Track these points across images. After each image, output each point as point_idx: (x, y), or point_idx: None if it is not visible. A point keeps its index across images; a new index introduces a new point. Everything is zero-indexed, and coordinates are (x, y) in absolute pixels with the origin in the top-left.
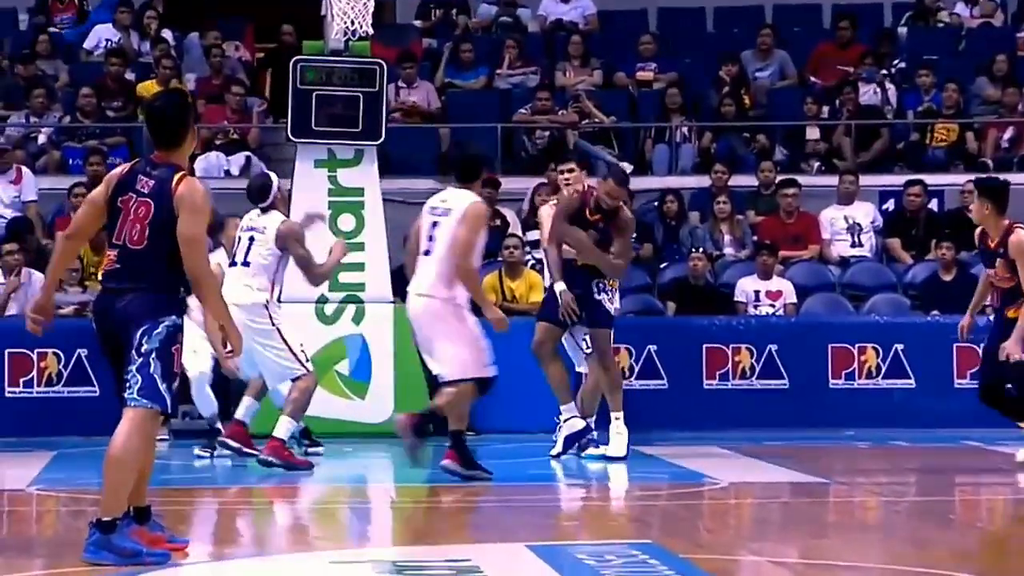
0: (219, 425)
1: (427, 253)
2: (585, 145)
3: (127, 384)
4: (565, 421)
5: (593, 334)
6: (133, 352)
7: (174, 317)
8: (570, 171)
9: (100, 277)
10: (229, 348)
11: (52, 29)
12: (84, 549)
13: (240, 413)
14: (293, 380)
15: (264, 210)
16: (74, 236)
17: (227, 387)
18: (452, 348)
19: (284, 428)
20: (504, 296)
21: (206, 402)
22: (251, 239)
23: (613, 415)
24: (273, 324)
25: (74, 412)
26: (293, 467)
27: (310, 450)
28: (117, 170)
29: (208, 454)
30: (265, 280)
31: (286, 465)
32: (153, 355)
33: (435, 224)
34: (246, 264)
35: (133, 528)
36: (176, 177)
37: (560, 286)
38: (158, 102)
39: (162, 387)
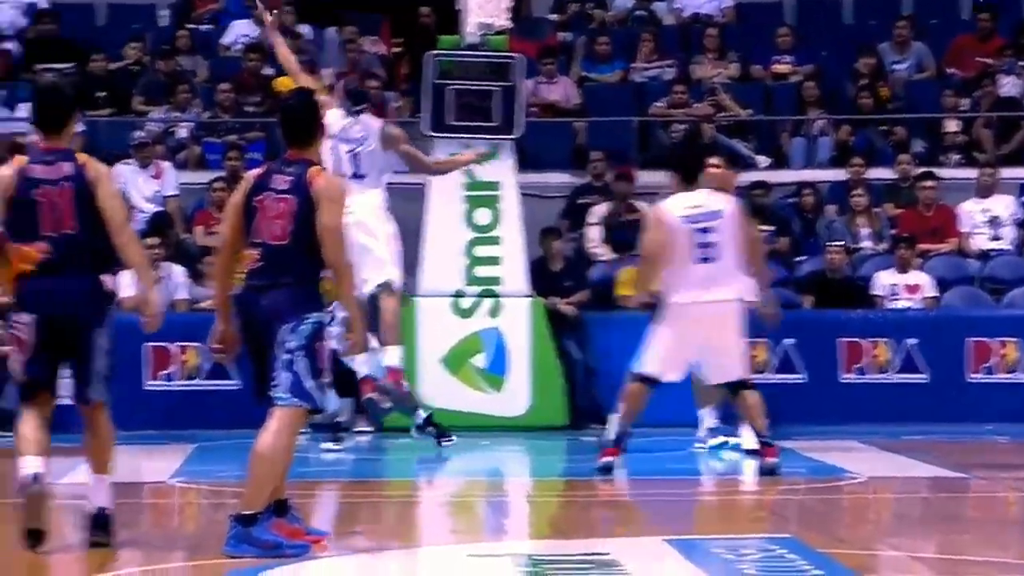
0: (344, 417)
1: (707, 260)
2: (722, 139)
3: (273, 382)
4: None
5: None
6: (278, 349)
7: (319, 313)
8: (715, 166)
9: (244, 276)
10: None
11: (191, 25)
12: (225, 542)
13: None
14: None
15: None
16: (227, 247)
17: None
18: (740, 348)
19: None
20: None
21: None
22: (352, 152)
23: None
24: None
25: (214, 405)
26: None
27: (442, 442)
28: (252, 172)
29: (337, 447)
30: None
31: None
32: (299, 352)
33: (706, 230)
34: (360, 177)
35: (273, 521)
36: (312, 171)
37: None
38: (289, 101)
39: (308, 385)
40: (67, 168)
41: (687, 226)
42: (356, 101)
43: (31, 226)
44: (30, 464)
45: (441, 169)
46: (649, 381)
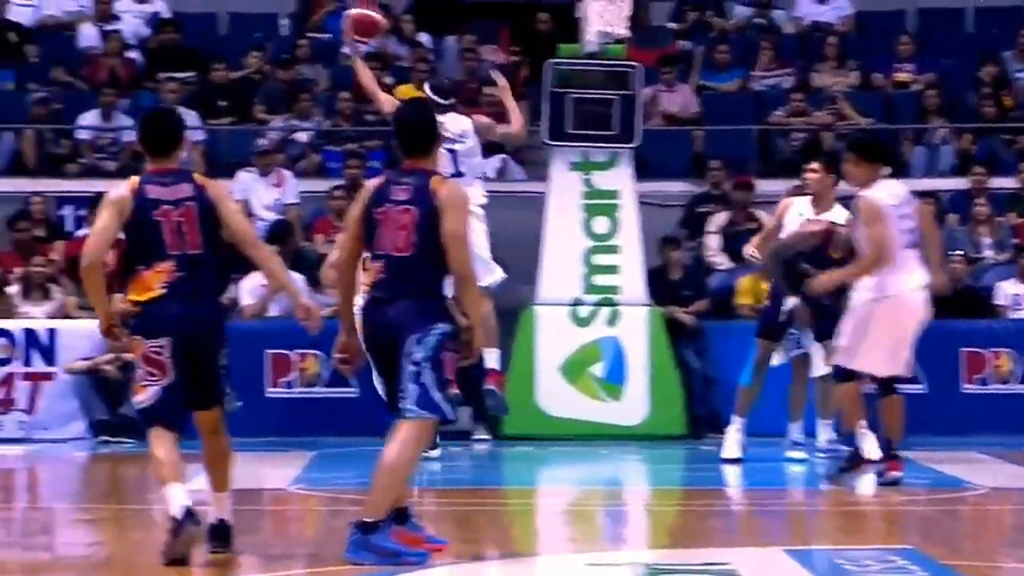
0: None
1: (911, 247)
2: (842, 147)
3: (400, 395)
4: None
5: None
6: (405, 360)
7: (444, 324)
8: (812, 171)
9: (367, 288)
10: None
11: (312, 34)
12: (345, 548)
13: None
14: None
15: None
16: (347, 257)
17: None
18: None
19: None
20: (757, 300)
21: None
22: (451, 150)
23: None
24: None
25: (333, 413)
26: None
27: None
28: (371, 183)
29: (433, 455)
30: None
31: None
32: (425, 364)
33: (904, 217)
34: (459, 175)
35: (393, 528)
36: (434, 180)
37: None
38: (405, 112)
39: (436, 396)
40: (187, 189)
41: (894, 213)
42: (443, 96)
43: (154, 247)
44: (177, 497)
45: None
46: (854, 377)
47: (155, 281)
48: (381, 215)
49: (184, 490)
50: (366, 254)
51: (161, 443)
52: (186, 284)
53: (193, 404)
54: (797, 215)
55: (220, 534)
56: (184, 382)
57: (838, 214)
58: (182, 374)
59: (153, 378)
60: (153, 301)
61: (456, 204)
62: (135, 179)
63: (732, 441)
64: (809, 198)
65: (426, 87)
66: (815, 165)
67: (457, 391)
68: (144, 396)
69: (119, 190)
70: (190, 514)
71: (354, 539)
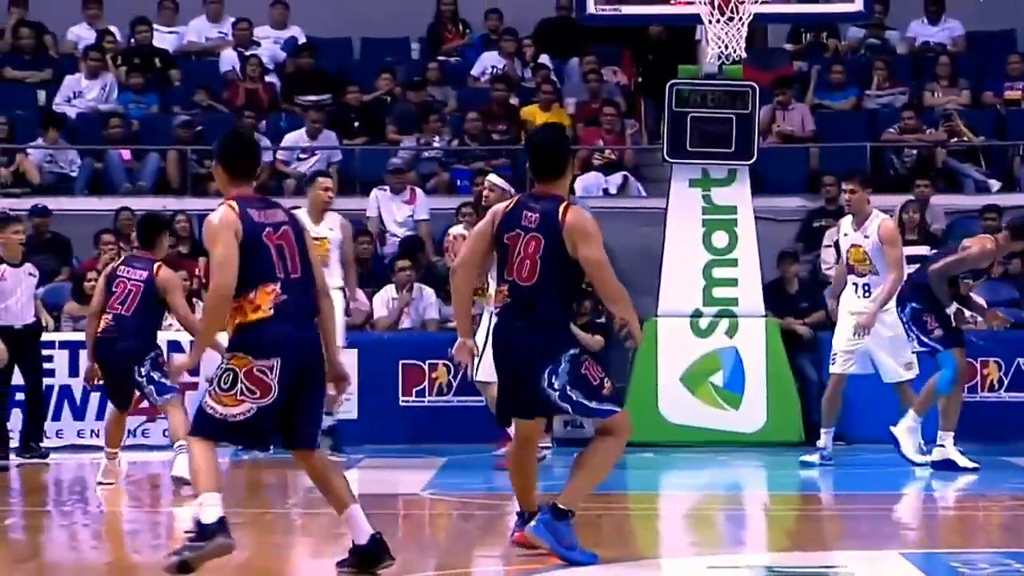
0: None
1: None
2: (953, 163)
3: (528, 403)
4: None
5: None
6: (548, 387)
7: (570, 348)
8: (851, 191)
9: (496, 310)
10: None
11: (441, 57)
12: (534, 524)
13: None
14: None
15: None
16: (464, 265)
17: None
18: None
19: None
20: None
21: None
22: None
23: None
24: None
25: (463, 421)
26: None
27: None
28: (501, 205)
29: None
30: None
31: None
32: (570, 388)
33: None
34: None
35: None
36: (561, 208)
37: None
38: (538, 136)
39: (593, 404)
40: (281, 214)
41: None
42: None
43: (263, 269)
44: (213, 505)
45: None
46: None
47: (264, 302)
48: (510, 240)
49: (220, 499)
50: (491, 272)
51: (206, 452)
52: (294, 308)
53: (299, 433)
54: (844, 236)
55: (379, 547)
56: (283, 406)
57: (873, 226)
58: (285, 399)
59: (255, 400)
60: (262, 323)
61: (585, 231)
62: (232, 203)
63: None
64: (849, 217)
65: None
66: (851, 186)
67: (610, 385)
68: (241, 412)
69: (224, 213)
70: (223, 525)
71: (544, 519)
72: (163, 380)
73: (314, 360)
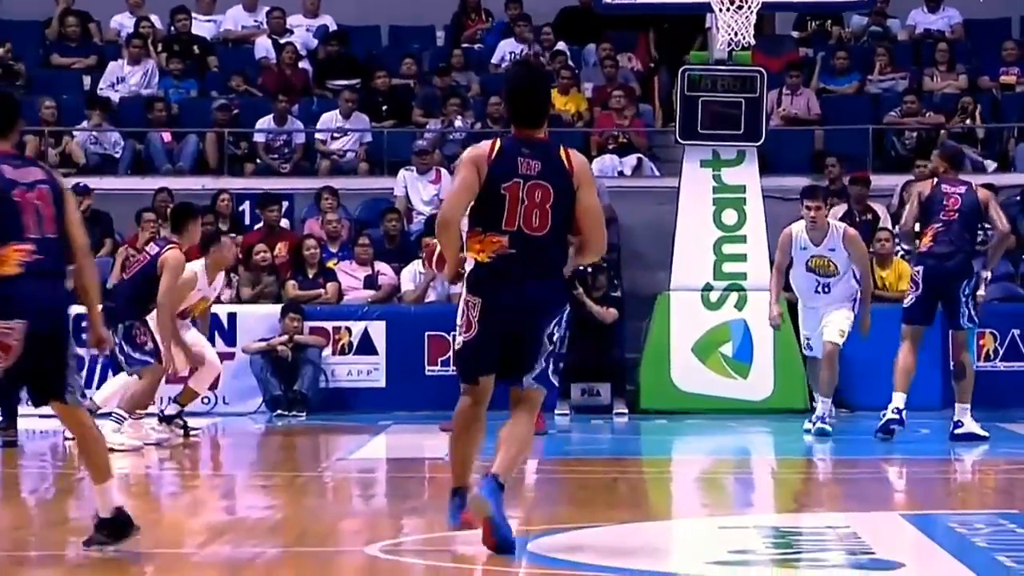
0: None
1: None
2: (951, 144)
3: (530, 366)
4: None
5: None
6: (542, 337)
7: (567, 302)
8: (817, 208)
9: (491, 258)
10: None
11: (465, 44)
12: (484, 491)
13: None
14: None
15: None
16: (454, 221)
17: None
18: None
19: None
20: (876, 285)
21: None
22: None
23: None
24: None
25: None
26: None
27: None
28: (478, 152)
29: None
30: None
31: None
32: (557, 343)
33: None
34: None
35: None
36: (563, 153)
37: None
38: (519, 79)
39: (551, 371)
40: (39, 172)
41: None
42: None
43: (13, 226)
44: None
45: None
46: None
47: (13, 259)
48: (509, 190)
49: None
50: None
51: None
52: (45, 265)
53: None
54: (801, 249)
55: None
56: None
57: (837, 238)
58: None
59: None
60: (10, 280)
61: (590, 177)
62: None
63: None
64: (801, 225)
65: None
66: (818, 203)
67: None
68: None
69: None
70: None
71: (491, 486)
72: (132, 353)
73: (60, 319)
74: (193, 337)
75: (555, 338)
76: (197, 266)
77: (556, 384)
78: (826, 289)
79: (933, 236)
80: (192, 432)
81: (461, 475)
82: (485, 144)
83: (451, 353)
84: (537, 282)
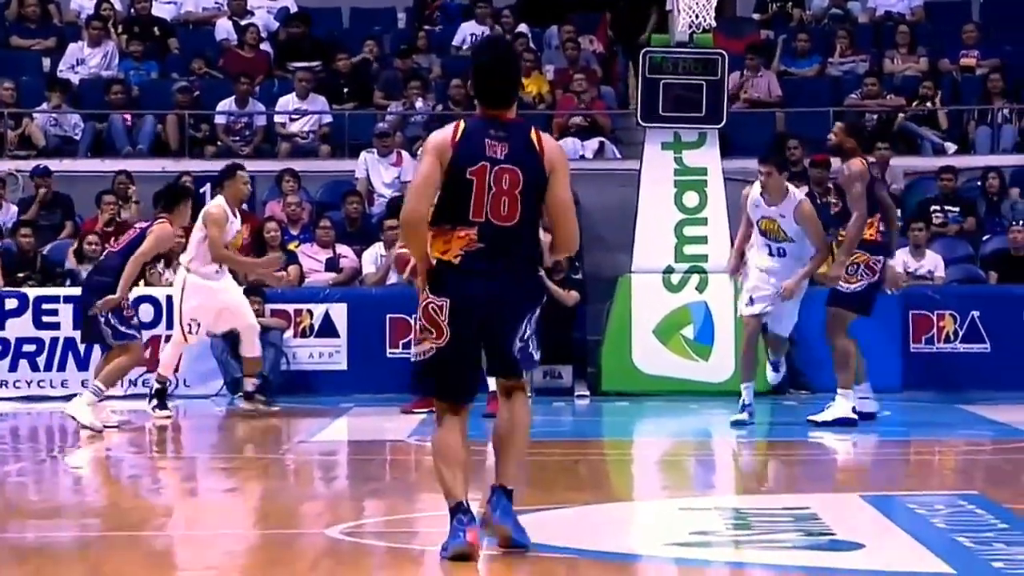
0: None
1: None
2: (911, 127)
3: (511, 363)
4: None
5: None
6: (512, 335)
7: (543, 293)
8: (768, 174)
9: (458, 257)
10: None
11: (428, 27)
12: (501, 512)
13: None
14: None
15: None
16: (421, 219)
17: None
18: None
19: None
20: None
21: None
22: None
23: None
24: None
25: None
26: None
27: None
28: (440, 138)
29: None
30: None
31: None
32: (532, 336)
33: None
34: None
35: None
36: (534, 135)
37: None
38: (486, 56)
39: (536, 357)
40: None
41: None
42: None
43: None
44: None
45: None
46: None
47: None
48: (475, 174)
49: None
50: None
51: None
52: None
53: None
54: (754, 206)
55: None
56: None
57: (790, 206)
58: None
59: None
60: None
61: (564, 164)
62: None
63: None
64: (758, 186)
65: None
66: (769, 168)
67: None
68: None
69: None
70: None
71: (505, 505)
72: (119, 325)
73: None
74: (229, 297)
75: (534, 320)
76: (220, 200)
77: (538, 359)
78: (781, 253)
79: (878, 225)
80: (163, 415)
81: (455, 491)
82: (448, 128)
83: (414, 367)
84: (510, 278)
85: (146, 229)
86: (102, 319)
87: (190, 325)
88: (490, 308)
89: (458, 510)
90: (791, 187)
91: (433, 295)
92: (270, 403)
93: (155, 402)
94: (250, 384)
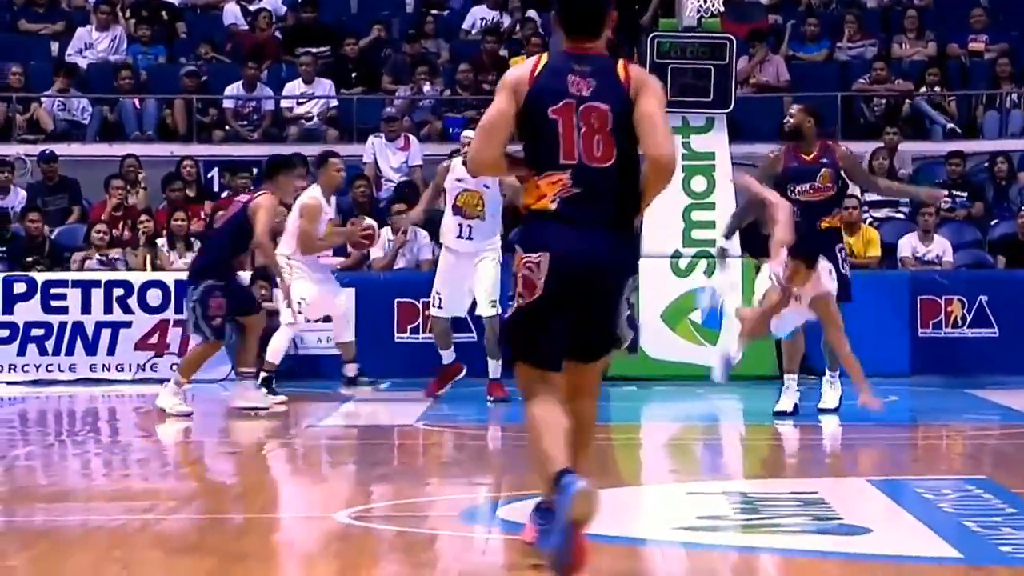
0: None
1: None
2: (923, 106)
3: (603, 345)
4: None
5: None
6: (616, 299)
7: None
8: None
9: (552, 205)
10: None
11: (436, 11)
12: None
13: None
14: None
15: None
16: (497, 160)
17: None
18: None
19: None
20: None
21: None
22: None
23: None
24: None
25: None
26: None
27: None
28: (517, 73)
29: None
30: None
31: None
32: (631, 308)
33: None
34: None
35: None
36: (620, 66)
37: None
38: None
39: (624, 325)
40: None
41: None
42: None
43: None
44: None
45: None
46: None
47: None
48: (558, 113)
49: None
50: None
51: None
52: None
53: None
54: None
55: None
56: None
57: None
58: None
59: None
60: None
61: (652, 85)
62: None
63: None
64: None
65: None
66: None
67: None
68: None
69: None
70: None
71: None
72: (200, 320)
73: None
74: (323, 288)
75: (629, 298)
76: (316, 191)
77: (635, 331)
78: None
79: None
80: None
81: (558, 458)
82: (528, 62)
83: (501, 330)
84: (611, 235)
85: (248, 202)
86: (190, 305)
87: (299, 304)
88: (590, 269)
89: (564, 474)
90: None
91: (528, 252)
92: (375, 384)
93: (264, 391)
94: (351, 370)
